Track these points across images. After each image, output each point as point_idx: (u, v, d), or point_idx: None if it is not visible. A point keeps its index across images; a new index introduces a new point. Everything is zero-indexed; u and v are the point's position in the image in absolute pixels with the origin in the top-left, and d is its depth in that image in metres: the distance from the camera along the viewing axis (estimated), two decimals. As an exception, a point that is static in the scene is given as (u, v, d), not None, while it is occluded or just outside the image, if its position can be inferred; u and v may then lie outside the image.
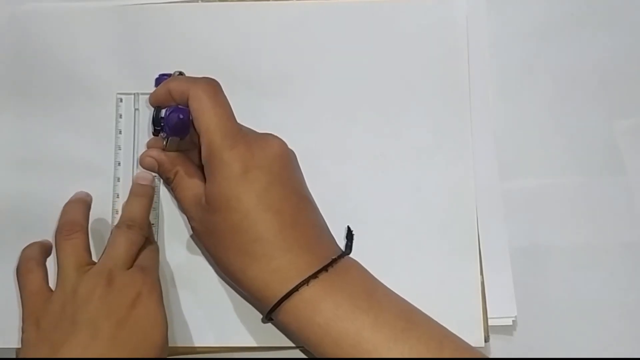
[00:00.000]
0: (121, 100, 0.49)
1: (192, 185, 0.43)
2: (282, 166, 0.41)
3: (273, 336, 0.46)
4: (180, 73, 0.47)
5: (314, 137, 0.48)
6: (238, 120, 0.43)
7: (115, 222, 0.45)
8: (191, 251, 0.47)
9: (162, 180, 0.47)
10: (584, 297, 0.47)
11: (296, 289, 0.39)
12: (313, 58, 0.50)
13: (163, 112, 0.44)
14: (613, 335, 0.47)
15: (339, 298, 0.39)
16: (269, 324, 0.45)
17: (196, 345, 0.46)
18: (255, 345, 0.46)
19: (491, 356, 0.46)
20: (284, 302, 0.39)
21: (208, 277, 0.47)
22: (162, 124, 0.44)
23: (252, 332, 0.46)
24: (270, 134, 0.43)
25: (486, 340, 0.46)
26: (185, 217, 0.46)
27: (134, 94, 0.49)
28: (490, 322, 0.46)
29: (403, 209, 0.47)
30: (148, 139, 0.47)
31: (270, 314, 0.41)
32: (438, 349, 0.38)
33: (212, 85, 0.43)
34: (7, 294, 0.46)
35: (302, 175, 0.43)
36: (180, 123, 0.42)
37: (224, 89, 0.43)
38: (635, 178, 0.49)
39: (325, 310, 0.39)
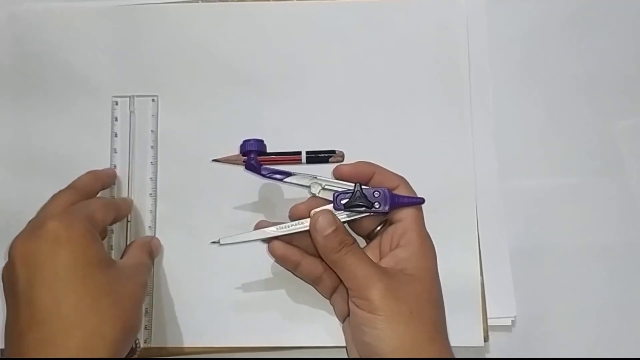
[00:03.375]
0: (117, 104, 0.49)
1: (341, 299, 0.44)
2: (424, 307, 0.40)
3: (273, 336, 0.46)
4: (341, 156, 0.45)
5: (314, 137, 0.48)
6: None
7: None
8: (191, 251, 0.47)
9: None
10: (583, 297, 0.47)
11: None
12: (313, 58, 0.50)
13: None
14: (613, 335, 0.47)
15: None
16: (268, 324, 0.45)
17: (196, 345, 0.46)
18: (255, 345, 0.46)
19: (491, 356, 0.46)
20: None
21: (208, 278, 0.47)
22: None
23: (252, 332, 0.46)
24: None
25: (486, 340, 0.46)
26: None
27: (130, 96, 0.49)
28: (490, 322, 0.46)
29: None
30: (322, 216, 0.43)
31: None
32: None
33: (406, 182, 0.44)
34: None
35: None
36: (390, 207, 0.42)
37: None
38: (635, 178, 0.49)
39: None
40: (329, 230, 0.41)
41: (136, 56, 0.50)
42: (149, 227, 0.47)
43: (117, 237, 0.47)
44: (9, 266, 0.39)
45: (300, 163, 0.44)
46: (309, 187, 0.43)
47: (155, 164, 0.48)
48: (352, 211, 0.42)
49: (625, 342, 0.47)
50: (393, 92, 0.49)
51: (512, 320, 0.46)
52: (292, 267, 0.44)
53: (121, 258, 0.44)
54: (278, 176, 0.43)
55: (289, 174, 0.43)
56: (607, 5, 0.51)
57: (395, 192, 0.42)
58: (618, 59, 0.50)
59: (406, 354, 0.38)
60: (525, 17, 0.51)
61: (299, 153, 0.44)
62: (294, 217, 0.43)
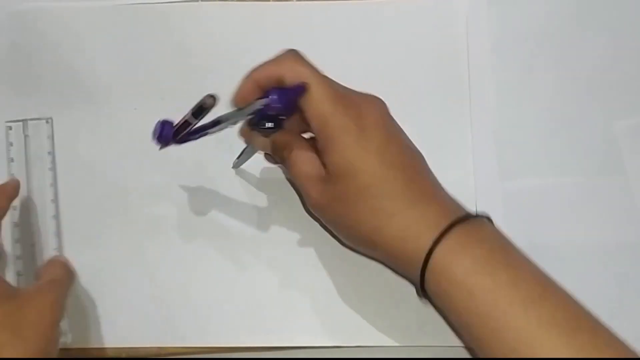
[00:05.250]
0: (10, 128, 0.49)
1: (307, 159, 0.42)
2: (390, 122, 0.41)
3: (273, 336, 0.46)
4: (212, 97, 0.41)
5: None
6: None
7: (16, 252, 0.47)
8: (190, 251, 0.47)
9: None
10: (583, 297, 0.47)
11: (437, 240, 0.38)
12: (313, 58, 0.50)
13: (254, 106, 0.40)
14: (613, 335, 0.47)
15: (477, 251, 0.38)
16: (268, 324, 0.45)
17: (196, 345, 0.46)
18: (255, 345, 0.46)
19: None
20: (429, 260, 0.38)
21: (208, 277, 0.47)
22: (258, 118, 0.41)
23: (253, 332, 0.46)
24: (369, 94, 0.42)
25: (486, 340, 0.46)
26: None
27: (23, 120, 0.49)
28: (490, 322, 0.46)
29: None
30: (241, 130, 0.44)
31: (423, 276, 0.39)
32: (574, 320, 0.36)
33: (298, 55, 0.42)
34: None
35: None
36: (285, 106, 0.40)
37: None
38: (635, 178, 0.49)
39: (463, 263, 0.37)
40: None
41: (136, 55, 0.50)
42: (54, 249, 0.47)
43: (25, 263, 0.47)
44: None
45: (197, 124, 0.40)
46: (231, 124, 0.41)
47: (54, 185, 0.48)
48: (260, 130, 0.42)
49: (625, 342, 0.47)
50: (392, 92, 0.49)
51: (512, 320, 0.46)
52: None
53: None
54: (197, 135, 0.40)
55: (204, 128, 0.40)
56: (608, 5, 0.51)
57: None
58: (618, 59, 0.50)
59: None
60: (526, 17, 0.51)
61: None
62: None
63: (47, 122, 0.49)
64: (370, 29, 0.50)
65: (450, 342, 0.44)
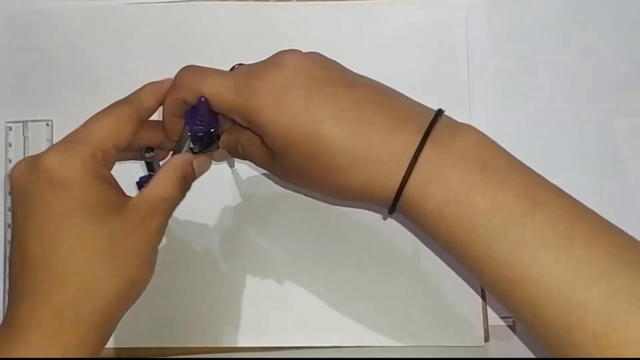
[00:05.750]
0: (10, 129, 0.49)
1: (257, 147, 0.39)
2: (309, 72, 0.37)
3: (273, 336, 0.46)
4: (149, 149, 0.40)
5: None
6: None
7: (8, 254, 0.45)
8: (190, 251, 0.47)
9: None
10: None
11: (404, 180, 0.35)
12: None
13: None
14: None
15: (448, 176, 0.34)
16: (268, 324, 0.45)
17: (197, 345, 0.46)
18: (255, 345, 0.46)
19: (491, 356, 0.46)
20: (397, 202, 0.35)
21: (208, 277, 0.47)
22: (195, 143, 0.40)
23: (252, 332, 0.46)
24: (277, 53, 0.38)
25: (486, 340, 0.46)
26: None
27: (23, 122, 0.49)
28: (490, 322, 0.46)
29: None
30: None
31: (393, 211, 0.37)
32: (567, 232, 0.33)
33: (189, 69, 0.38)
34: None
35: (342, 67, 0.39)
36: (204, 124, 0.39)
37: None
38: (635, 178, 0.49)
39: (436, 194, 0.34)
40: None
41: (136, 55, 0.50)
42: None
43: None
44: (12, 192, 0.35)
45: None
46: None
47: None
48: (204, 153, 0.40)
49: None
50: (393, 92, 0.49)
51: (513, 321, 0.46)
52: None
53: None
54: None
55: None
56: (607, 5, 0.51)
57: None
58: (618, 59, 0.50)
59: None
60: (525, 16, 0.51)
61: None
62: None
63: (47, 124, 0.49)
64: (370, 29, 0.50)
65: (451, 342, 0.44)
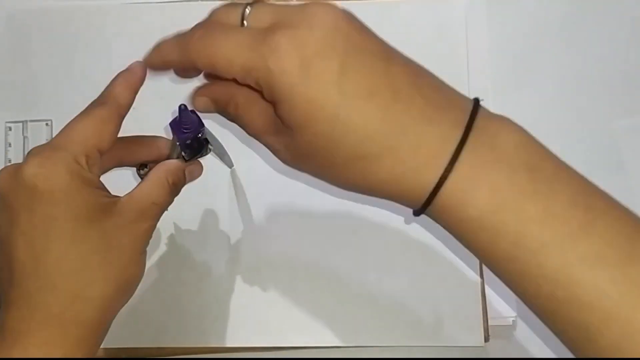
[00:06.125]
0: (10, 129, 0.49)
1: (258, 112, 0.33)
2: (346, 36, 0.31)
3: (273, 336, 0.46)
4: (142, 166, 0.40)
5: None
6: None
7: None
8: (190, 251, 0.47)
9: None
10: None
11: (442, 179, 0.30)
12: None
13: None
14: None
15: (494, 179, 0.30)
16: (268, 324, 0.45)
17: (196, 345, 0.46)
18: (255, 345, 0.46)
19: (491, 356, 0.46)
20: (430, 203, 0.31)
21: (208, 277, 0.47)
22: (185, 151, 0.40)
23: (252, 332, 0.46)
24: (310, 3, 0.31)
25: (486, 340, 0.46)
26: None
27: (23, 122, 0.49)
28: (490, 322, 0.46)
29: (403, 209, 0.47)
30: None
31: (421, 213, 0.32)
32: (626, 247, 0.29)
33: (196, 36, 0.33)
34: None
35: (377, 35, 0.33)
36: (192, 130, 0.38)
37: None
38: (635, 178, 0.49)
39: (480, 198, 0.30)
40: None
41: (136, 55, 0.50)
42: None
43: None
44: None
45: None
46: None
47: None
48: (196, 158, 0.40)
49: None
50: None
51: (513, 321, 0.46)
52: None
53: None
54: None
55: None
56: (607, 5, 0.51)
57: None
58: (618, 59, 0.50)
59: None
60: (525, 16, 0.51)
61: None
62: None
63: (47, 124, 0.49)
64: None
65: (451, 342, 0.44)
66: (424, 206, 0.31)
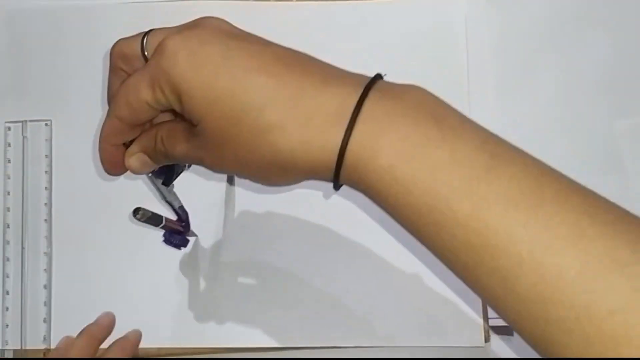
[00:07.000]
0: (9, 129, 0.49)
1: (178, 134, 0.34)
2: (227, 31, 0.33)
3: (273, 336, 0.46)
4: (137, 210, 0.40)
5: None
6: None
7: (6, 253, 0.47)
8: (190, 252, 0.47)
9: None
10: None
11: (347, 135, 0.29)
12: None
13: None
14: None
15: (400, 129, 0.29)
16: (268, 324, 0.45)
17: (196, 345, 0.46)
18: (255, 345, 0.46)
19: (491, 356, 0.46)
20: (342, 161, 0.30)
21: (208, 278, 0.47)
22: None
23: (252, 332, 0.46)
24: (199, 18, 0.34)
25: (486, 340, 0.46)
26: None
27: (22, 122, 0.49)
28: (490, 322, 0.46)
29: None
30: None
31: (337, 181, 0.31)
32: (536, 191, 0.29)
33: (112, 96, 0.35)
34: None
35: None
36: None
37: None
38: (635, 178, 0.49)
39: (387, 146, 0.29)
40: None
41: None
42: (45, 252, 0.47)
43: (14, 265, 0.47)
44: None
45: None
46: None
47: (49, 189, 0.48)
48: (175, 178, 0.40)
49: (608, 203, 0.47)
50: (393, 92, 0.49)
51: (513, 320, 0.46)
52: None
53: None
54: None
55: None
56: (608, 5, 0.51)
57: None
58: (619, 59, 0.50)
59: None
60: (525, 16, 0.51)
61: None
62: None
63: (46, 124, 0.49)
64: (369, 29, 0.50)
65: (451, 342, 0.44)
66: (337, 169, 0.30)
